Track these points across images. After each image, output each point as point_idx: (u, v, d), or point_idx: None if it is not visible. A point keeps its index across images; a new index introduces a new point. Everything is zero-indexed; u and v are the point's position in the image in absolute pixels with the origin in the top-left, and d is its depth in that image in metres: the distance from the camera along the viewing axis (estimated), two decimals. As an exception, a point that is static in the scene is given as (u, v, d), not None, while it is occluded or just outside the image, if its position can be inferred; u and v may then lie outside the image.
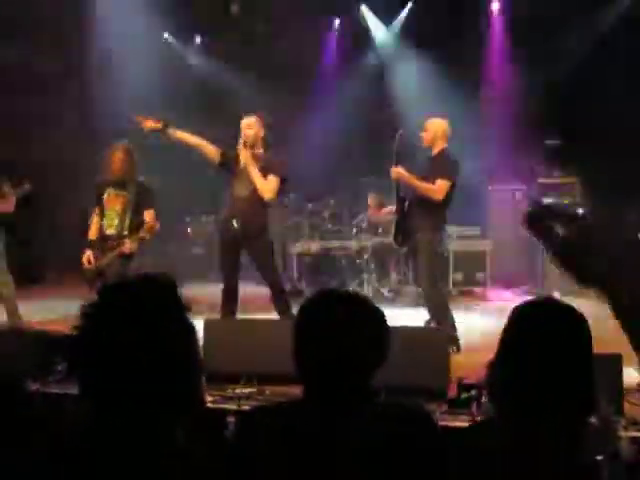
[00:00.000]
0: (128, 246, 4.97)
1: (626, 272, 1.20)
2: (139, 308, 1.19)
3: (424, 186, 4.91)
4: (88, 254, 5.08)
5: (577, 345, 1.35)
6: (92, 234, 5.19)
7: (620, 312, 1.01)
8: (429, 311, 4.91)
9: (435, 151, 5.12)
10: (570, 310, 1.39)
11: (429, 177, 4.95)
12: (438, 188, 4.88)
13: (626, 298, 1.22)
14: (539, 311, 1.39)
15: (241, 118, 5.01)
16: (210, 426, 1.69)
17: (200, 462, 1.24)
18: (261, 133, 4.92)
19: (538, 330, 1.34)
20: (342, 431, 1.38)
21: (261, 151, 4.93)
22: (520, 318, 1.39)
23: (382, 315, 1.56)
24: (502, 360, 1.37)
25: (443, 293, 5.18)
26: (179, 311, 1.24)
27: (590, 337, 1.37)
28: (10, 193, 5.58)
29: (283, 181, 4.92)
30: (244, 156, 4.80)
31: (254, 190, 4.84)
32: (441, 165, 5.00)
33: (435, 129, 5.11)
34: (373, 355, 1.50)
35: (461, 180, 5.40)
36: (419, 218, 4.99)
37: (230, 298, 4.97)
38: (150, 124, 4.88)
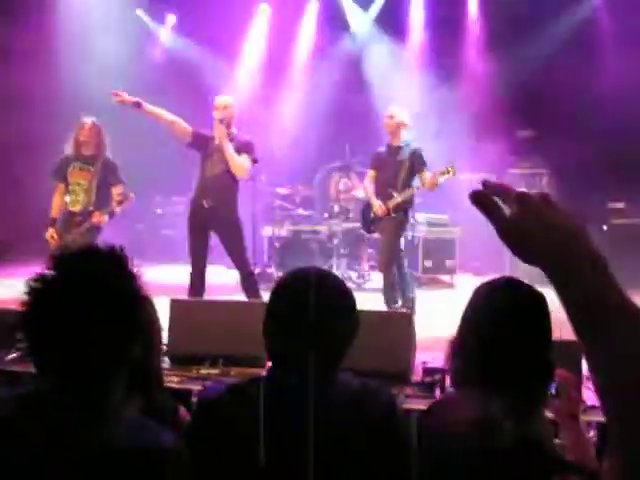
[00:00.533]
0: (98, 218, 4.95)
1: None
2: (87, 280, 1.16)
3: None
4: (51, 231, 5.01)
5: (535, 323, 1.36)
6: (54, 212, 5.13)
7: (563, 297, 1.05)
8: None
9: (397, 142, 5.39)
10: (528, 289, 1.40)
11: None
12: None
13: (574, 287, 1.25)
14: (497, 290, 1.40)
15: (212, 98, 4.98)
16: (172, 403, 1.68)
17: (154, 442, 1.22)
18: (236, 113, 4.91)
19: (496, 308, 1.35)
20: (309, 410, 1.38)
21: (234, 131, 4.90)
22: (479, 297, 1.40)
23: (350, 293, 1.57)
24: (462, 338, 1.38)
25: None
26: (129, 283, 1.21)
27: (548, 316, 1.39)
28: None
29: (254, 162, 4.92)
30: (220, 134, 4.75)
31: (226, 170, 4.82)
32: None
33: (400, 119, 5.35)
34: (343, 333, 1.50)
35: (431, 168, 5.48)
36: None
37: (198, 281, 4.93)
38: (125, 99, 4.83)
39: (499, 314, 1.34)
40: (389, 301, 5.21)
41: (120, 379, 1.21)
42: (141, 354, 1.27)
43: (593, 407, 2.87)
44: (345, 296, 1.53)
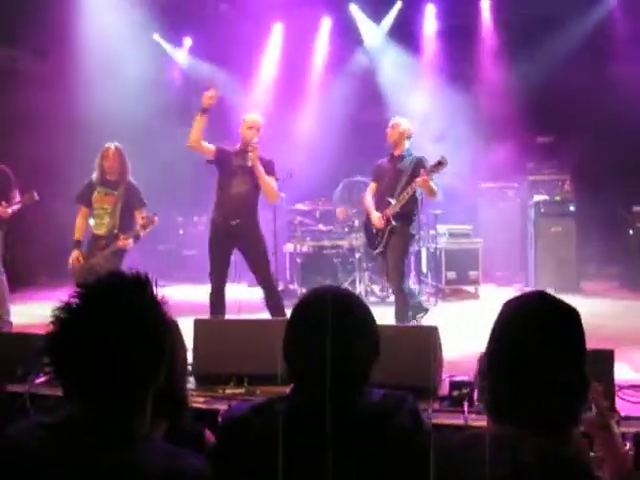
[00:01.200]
0: (123, 242, 5.02)
1: None
2: (111, 308, 1.17)
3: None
4: (76, 253, 5.10)
5: (568, 339, 1.33)
6: (78, 234, 5.23)
7: None
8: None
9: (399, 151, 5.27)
10: (561, 304, 1.37)
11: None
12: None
13: None
14: (529, 304, 1.37)
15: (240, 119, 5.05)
16: (197, 427, 1.67)
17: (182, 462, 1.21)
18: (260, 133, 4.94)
19: (528, 323, 1.32)
20: (332, 428, 1.36)
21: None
22: (510, 312, 1.37)
23: (370, 313, 1.56)
24: (492, 354, 1.35)
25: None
26: (153, 309, 1.21)
27: (582, 331, 1.35)
28: (16, 201, 5.46)
29: (276, 180, 5.01)
30: (254, 156, 4.80)
31: (252, 188, 4.88)
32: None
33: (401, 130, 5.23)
34: (365, 353, 1.50)
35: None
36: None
37: (219, 299, 4.95)
38: (212, 101, 4.79)
39: (532, 328, 1.31)
40: (403, 319, 4.91)
41: (146, 404, 1.21)
42: (166, 379, 1.26)
43: (628, 418, 2.80)
44: (364, 315, 1.52)
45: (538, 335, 1.30)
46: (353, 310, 1.51)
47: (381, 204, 5.21)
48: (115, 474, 1.14)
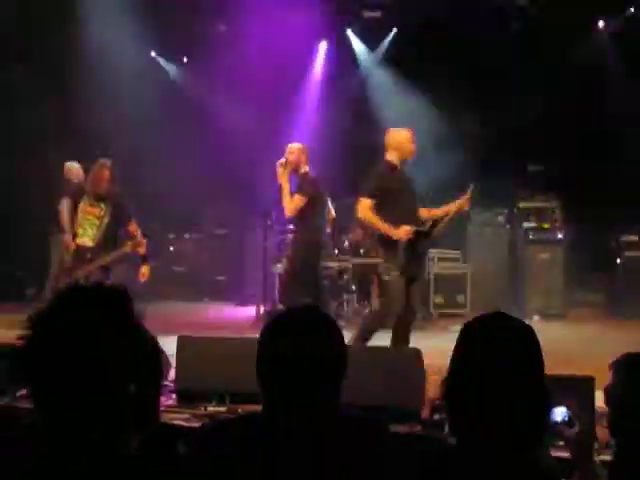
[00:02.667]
0: (108, 259, 5.06)
1: None
2: (85, 318, 1.18)
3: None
4: (68, 238, 5.26)
5: (525, 357, 1.35)
6: (66, 220, 5.41)
7: None
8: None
9: None
10: (519, 325, 1.39)
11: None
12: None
13: None
14: (485, 326, 1.39)
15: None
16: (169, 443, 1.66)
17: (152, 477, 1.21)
18: (303, 157, 5.63)
19: (484, 345, 1.35)
20: (297, 446, 1.37)
21: (303, 171, 5.60)
22: (467, 334, 1.39)
23: (339, 331, 1.57)
24: (452, 376, 1.37)
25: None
26: (128, 321, 1.22)
27: (539, 349, 1.37)
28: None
29: (312, 199, 5.48)
30: (280, 176, 5.46)
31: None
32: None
33: (398, 140, 4.80)
34: (331, 372, 1.50)
35: (443, 204, 5.43)
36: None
37: None
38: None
39: (488, 349, 1.33)
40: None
41: (117, 414, 1.21)
42: (138, 390, 1.27)
43: (606, 445, 2.80)
44: (332, 333, 1.53)
45: (494, 356, 1.32)
46: (320, 328, 1.52)
47: (409, 219, 4.62)
48: None
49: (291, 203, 5.43)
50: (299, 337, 1.44)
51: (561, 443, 2.39)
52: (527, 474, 1.32)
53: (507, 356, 1.31)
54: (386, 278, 4.53)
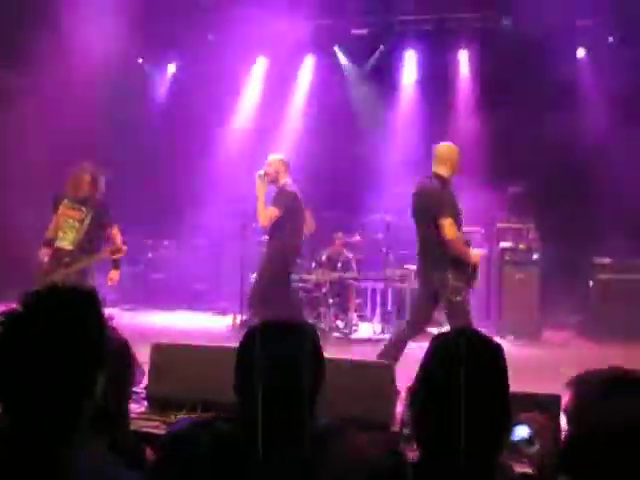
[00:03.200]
0: (86, 263, 5.04)
1: None
2: (51, 316, 1.20)
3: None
4: (45, 251, 5.16)
5: (488, 371, 1.38)
6: (50, 233, 5.26)
7: None
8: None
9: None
10: (484, 339, 1.43)
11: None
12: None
13: None
14: (451, 338, 1.43)
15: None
16: (139, 446, 1.67)
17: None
18: (281, 169, 5.69)
19: (448, 358, 1.38)
20: (276, 444, 1.41)
21: (282, 182, 5.67)
22: (433, 347, 1.43)
23: (316, 342, 1.61)
24: (416, 387, 1.40)
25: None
26: (96, 323, 1.24)
27: (503, 364, 1.41)
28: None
29: (288, 211, 5.55)
30: (257, 186, 5.54)
31: None
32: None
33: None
34: (311, 380, 1.55)
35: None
36: None
37: None
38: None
39: (451, 362, 1.37)
40: None
41: (83, 413, 1.22)
42: (106, 391, 1.29)
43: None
44: (309, 344, 1.59)
45: (457, 370, 1.36)
46: (299, 339, 1.57)
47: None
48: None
49: (265, 213, 5.50)
50: (278, 347, 1.49)
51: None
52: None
53: (470, 371, 1.35)
54: (458, 299, 4.42)
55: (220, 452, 1.38)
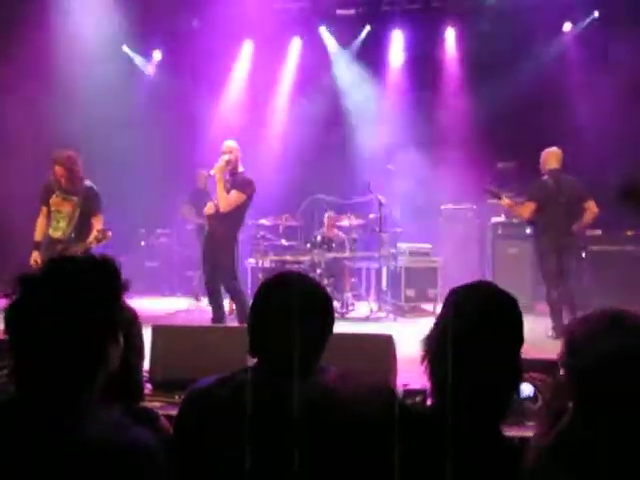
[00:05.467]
0: (77, 250, 5.02)
1: None
2: (73, 281, 1.21)
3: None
4: (35, 255, 5.11)
5: (505, 325, 1.40)
6: (38, 235, 5.21)
7: None
8: None
9: None
10: (501, 293, 1.45)
11: None
12: None
13: None
14: (471, 291, 1.45)
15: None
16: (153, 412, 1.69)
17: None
18: (239, 156, 5.65)
19: (468, 308, 1.40)
20: (288, 402, 1.45)
21: (240, 170, 5.63)
22: (452, 297, 1.45)
23: (327, 295, 1.72)
24: (433, 335, 1.43)
25: None
26: (114, 291, 1.26)
27: (520, 320, 1.43)
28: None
29: (249, 199, 5.56)
30: (217, 173, 5.50)
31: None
32: None
33: None
34: (322, 329, 1.65)
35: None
36: None
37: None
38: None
39: (471, 313, 1.39)
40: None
41: (96, 379, 1.23)
42: (121, 363, 1.30)
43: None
44: (323, 296, 1.68)
45: (476, 319, 1.38)
46: (314, 291, 1.67)
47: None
48: (59, 447, 1.15)
49: (227, 199, 5.47)
50: (296, 298, 1.56)
51: (530, 423, 2.49)
52: (491, 447, 1.38)
53: (486, 321, 1.37)
54: None
55: (242, 404, 1.44)
